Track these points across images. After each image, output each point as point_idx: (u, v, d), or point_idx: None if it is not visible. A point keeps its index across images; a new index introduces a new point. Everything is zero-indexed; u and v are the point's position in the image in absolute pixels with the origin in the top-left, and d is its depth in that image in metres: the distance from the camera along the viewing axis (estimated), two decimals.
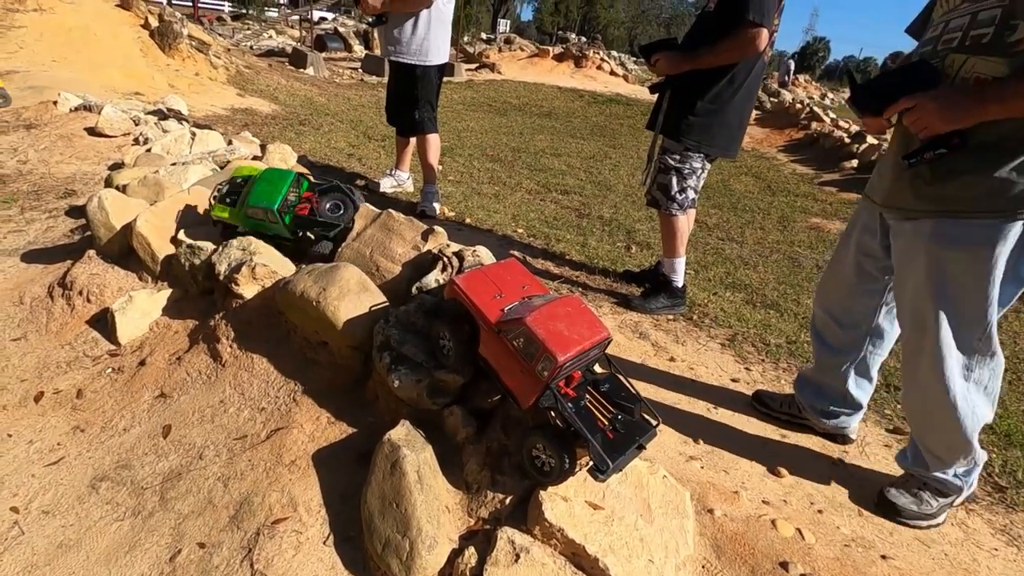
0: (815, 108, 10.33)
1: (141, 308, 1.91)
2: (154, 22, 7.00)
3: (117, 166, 3.33)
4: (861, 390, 1.77)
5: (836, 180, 6.86)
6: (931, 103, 1.23)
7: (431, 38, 3.28)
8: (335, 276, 1.59)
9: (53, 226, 2.75)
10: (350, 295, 1.56)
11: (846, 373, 1.75)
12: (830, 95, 22.83)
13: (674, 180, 2.49)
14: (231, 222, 2.00)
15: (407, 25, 3.20)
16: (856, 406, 1.79)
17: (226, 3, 30.21)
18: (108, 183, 2.59)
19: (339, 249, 1.92)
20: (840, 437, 1.85)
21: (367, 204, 2.05)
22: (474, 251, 1.72)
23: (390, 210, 1.96)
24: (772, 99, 11.76)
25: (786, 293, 3.17)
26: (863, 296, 1.67)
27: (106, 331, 1.92)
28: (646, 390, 1.96)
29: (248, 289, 1.78)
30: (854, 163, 7.23)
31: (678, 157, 2.47)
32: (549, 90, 11.97)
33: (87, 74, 5.62)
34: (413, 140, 3.73)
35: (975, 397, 1.40)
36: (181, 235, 2.04)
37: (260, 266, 1.77)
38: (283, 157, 3.42)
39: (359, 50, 14.02)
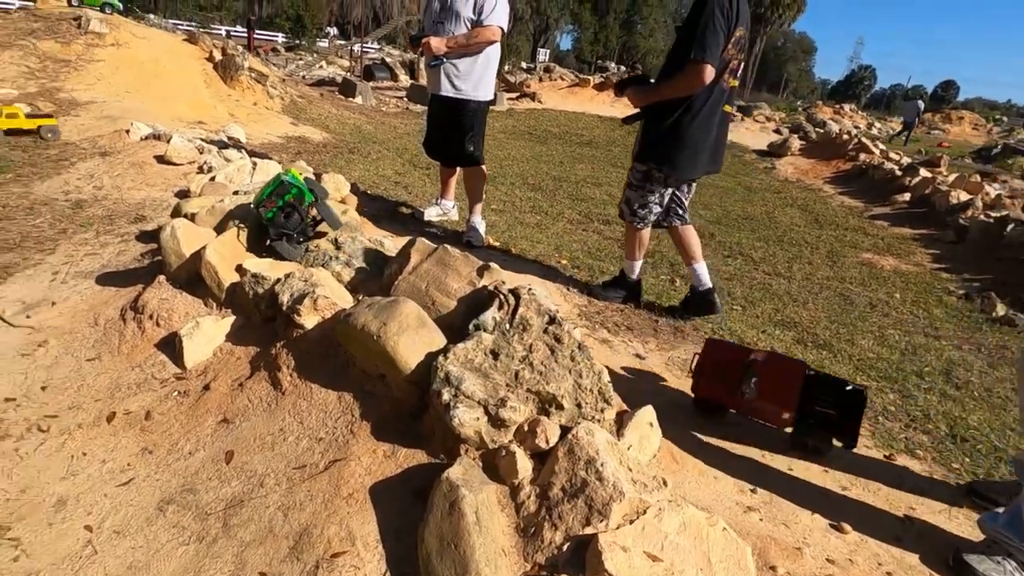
0: (863, 139, 10.11)
1: (207, 333, 2.00)
2: (218, 55, 7.44)
3: (183, 194, 3.52)
4: None
5: (887, 214, 6.66)
6: None
7: (488, 75, 3.41)
8: (395, 311, 1.63)
9: (125, 250, 2.92)
10: (409, 330, 1.59)
11: None
12: (877, 124, 22.32)
13: (635, 196, 2.87)
14: (255, 207, 2.39)
15: (468, 63, 3.32)
16: None
17: (280, 34, 31.85)
18: (176, 212, 2.74)
19: (395, 282, 1.97)
20: None
21: (415, 239, 2.10)
22: (529, 289, 1.74)
23: (446, 245, 2.00)
24: (818, 129, 11.57)
25: (839, 333, 3.08)
26: None
27: (173, 355, 2.01)
28: (700, 430, 1.92)
29: (309, 320, 1.84)
30: (907, 196, 7.02)
31: (640, 176, 2.85)
32: (589, 119, 12.09)
33: (156, 104, 5.99)
34: (458, 169, 3.83)
35: None
36: (246, 264, 2.13)
37: (322, 298, 1.84)
38: (336, 186, 3.55)
39: (404, 79, 14.53)
